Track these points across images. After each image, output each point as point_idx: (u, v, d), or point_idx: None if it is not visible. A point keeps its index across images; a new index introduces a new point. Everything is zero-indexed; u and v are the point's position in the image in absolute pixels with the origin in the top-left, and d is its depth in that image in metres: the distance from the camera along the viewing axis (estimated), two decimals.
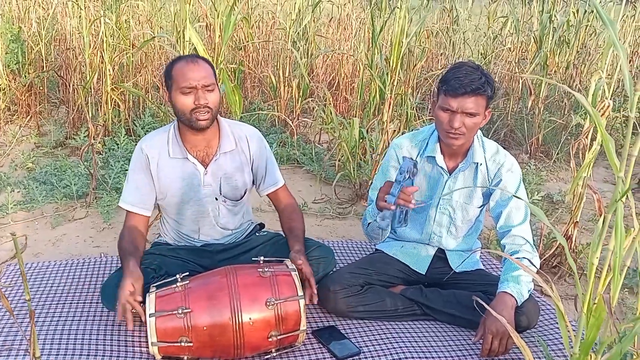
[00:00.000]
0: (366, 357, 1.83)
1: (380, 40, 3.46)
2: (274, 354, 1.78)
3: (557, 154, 4.16)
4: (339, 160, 3.46)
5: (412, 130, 3.32)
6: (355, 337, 1.93)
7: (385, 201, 1.78)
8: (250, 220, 2.22)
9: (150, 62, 4.52)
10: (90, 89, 3.69)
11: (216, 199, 2.02)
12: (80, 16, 3.93)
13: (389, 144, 3.06)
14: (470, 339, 1.95)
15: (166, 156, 1.96)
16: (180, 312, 1.64)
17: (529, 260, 1.92)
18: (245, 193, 2.09)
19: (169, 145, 1.96)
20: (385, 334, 1.96)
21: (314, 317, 2.03)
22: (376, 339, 1.92)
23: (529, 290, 1.90)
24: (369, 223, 2.07)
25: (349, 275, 2.06)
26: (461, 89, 1.85)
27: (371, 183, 3.16)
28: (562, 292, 2.46)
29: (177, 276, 1.73)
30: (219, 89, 1.92)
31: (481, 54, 5.23)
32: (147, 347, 1.70)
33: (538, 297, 2.22)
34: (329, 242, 2.65)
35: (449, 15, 5.53)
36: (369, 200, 2.17)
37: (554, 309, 2.16)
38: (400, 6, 2.99)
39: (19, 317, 1.90)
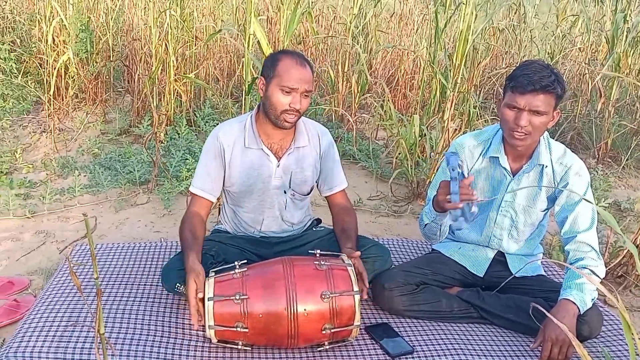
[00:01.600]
0: (419, 356, 1.80)
1: (442, 36, 3.40)
2: (327, 347, 1.78)
3: (627, 159, 3.97)
4: (396, 158, 3.42)
5: (473, 129, 3.24)
6: (409, 336, 1.90)
7: (449, 202, 1.74)
8: (309, 216, 2.24)
9: (211, 54, 4.61)
10: (155, 79, 3.79)
11: (284, 192, 2.04)
12: (146, 8, 4.04)
13: (449, 142, 3.00)
14: (528, 345, 1.89)
15: (241, 145, 1.99)
16: (237, 298, 1.67)
17: (592, 271, 1.84)
18: (312, 189, 2.12)
19: (245, 135, 1.98)
20: (439, 334, 1.93)
21: (367, 314, 2.01)
22: (430, 339, 1.89)
23: (592, 299, 1.82)
24: (426, 224, 2.03)
25: (405, 274, 2.04)
26: (530, 85, 1.80)
27: (429, 182, 3.12)
28: (627, 304, 2.35)
29: (236, 263, 1.76)
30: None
31: (548, 54, 5.05)
32: (204, 330, 1.74)
33: (601, 307, 2.13)
34: (383, 240, 2.62)
35: (516, 12, 5.37)
36: (427, 199, 2.13)
37: (617, 319, 2.07)
38: (467, 2, 2.92)
39: (85, 294, 1.98)
